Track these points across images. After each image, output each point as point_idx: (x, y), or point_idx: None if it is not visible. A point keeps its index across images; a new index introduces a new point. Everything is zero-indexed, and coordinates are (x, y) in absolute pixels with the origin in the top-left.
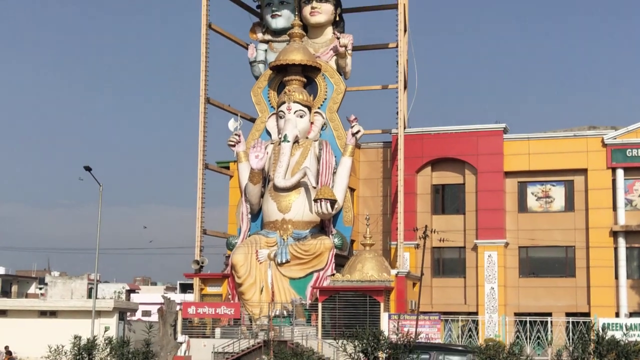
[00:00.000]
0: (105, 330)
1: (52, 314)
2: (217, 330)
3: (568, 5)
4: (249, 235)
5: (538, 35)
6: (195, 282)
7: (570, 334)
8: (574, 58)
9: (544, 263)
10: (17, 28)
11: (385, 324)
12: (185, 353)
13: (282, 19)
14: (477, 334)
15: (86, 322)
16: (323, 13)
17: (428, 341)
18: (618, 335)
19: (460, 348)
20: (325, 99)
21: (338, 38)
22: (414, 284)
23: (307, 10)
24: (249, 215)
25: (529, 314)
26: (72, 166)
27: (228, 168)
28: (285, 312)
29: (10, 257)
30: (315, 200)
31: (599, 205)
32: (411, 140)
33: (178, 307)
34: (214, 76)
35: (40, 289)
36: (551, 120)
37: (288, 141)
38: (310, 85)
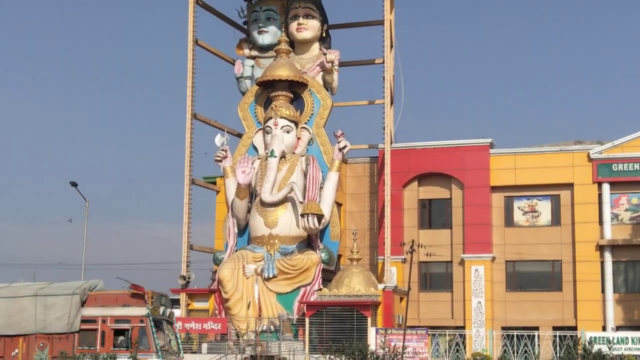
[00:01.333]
0: None
1: None
2: (204, 346)
3: (553, 21)
4: (236, 251)
5: (524, 51)
6: (182, 297)
7: (558, 348)
8: (559, 73)
9: (530, 277)
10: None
11: (373, 339)
12: None
13: (268, 35)
14: (465, 348)
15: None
16: (309, 29)
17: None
18: (605, 349)
19: None
20: (312, 114)
21: (325, 54)
22: (401, 299)
23: (293, 26)
24: (236, 231)
25: (516, 328)
26: (58, 182)
27: (215, 183)
28: (272, 327)
29: None
30: (302, 215)
31: (586, 219)
32: (398, 155)
33: None
34: (201, 92)
35: None
36: (537, 135)
37: (275, 156)
38: (297, 101)
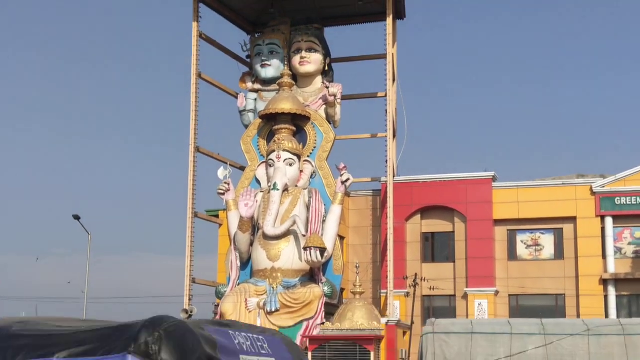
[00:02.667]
0: None
1: None
2: None
3: (557, 56)
4: (238, 284)
5: (526, 84)
6: None
7: None
8: (562, 106)
9: (534, 311)
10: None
11: None
12: None
13: (271, 68)
14: None
15: None
16: (312, 63)
17: None
18: None
19: None
20: (314, 147)
21: (327, 87)
22: (405, 333)
23: (296, 60)
24: (239, 264)
25: None
26: (61, 215)
27: (217, 216)
28: None
29: None
30: (305, 249)
31: (589, 253)
32: (400, 188)
33: None
34: (204, 125)
35: None
36: (540, 168)
37: (277, 189)
38: (299, 134)
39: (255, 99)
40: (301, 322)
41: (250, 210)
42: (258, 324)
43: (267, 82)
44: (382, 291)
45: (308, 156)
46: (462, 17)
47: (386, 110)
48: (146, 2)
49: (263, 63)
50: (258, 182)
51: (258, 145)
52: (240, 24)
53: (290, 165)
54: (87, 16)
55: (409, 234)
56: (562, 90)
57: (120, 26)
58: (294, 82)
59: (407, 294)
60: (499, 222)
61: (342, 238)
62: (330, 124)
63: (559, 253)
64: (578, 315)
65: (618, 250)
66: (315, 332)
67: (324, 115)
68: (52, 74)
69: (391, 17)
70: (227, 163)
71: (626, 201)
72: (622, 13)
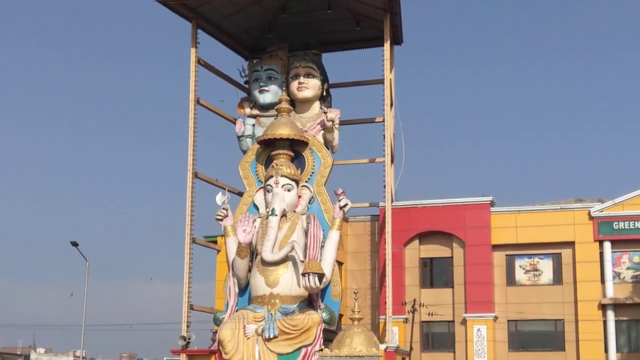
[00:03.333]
0: None
1: None
2: None
3: (555, 80)
4: (237, 310)
5: (524, 109)
6: (182, 358)
7: None
8: (560, 131)
9: (533, 337)
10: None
11: None
12: None
13: (269, 94)
14: None
15: None
16: (310, 88)
17: None
18: None
19: None
20: (312, 172)
21: (325, 112)
22: (403, 359)
23: (294, 85)
24: (237, 290)
25: None
26: (59, 241)
27: (216, 242)
28: None
29: None
30: (303, 275)
31: (587, 278)
32: (399, 213)
33: None
34: (202, 150)
35: None
36: (538, 193)
37: (276, 215)
38: (297, 159)
39: (254, 125)
40: (299, 348)
41: (248, 236)
42: (256, 351)
43: (265, 107)
44: (381, 317)
45: (306, 181)
46: (459, 43)
47: (384, 136)
48: (144, 29)
49: (261, 89)
50: (256, 207)
51: (256, 171)
52: (239, 49)
53: (289, 190)
54: (85, 45)
55: (407, 260)
56: (559, 115)
57: (119, 52)
58: (292, 108)
59: (406, 320)
60: (497, 247)
61: (340, 264)
62: (328, 149)
63: (557, 278)
64: (577, 341)
65: (617, 275)
66: (313, 359)
67: (322, 141)
68: (52, 102)
69: (388, 42)
70: (225, 189)
71: (624, 226)
72: (613, 43)
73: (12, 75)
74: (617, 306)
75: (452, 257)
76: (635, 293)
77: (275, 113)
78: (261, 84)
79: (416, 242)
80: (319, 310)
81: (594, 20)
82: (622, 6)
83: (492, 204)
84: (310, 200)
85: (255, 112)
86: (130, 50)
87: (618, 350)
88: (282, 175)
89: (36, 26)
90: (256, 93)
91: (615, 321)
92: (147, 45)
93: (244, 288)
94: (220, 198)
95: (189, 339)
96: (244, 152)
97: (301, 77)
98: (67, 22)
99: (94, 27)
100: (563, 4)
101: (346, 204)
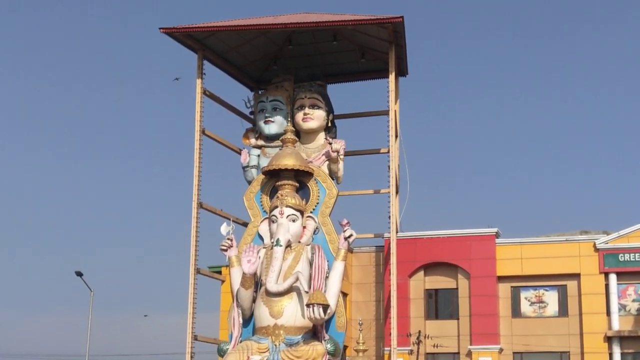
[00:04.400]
0: None
1: None
2: None
3: (558, 111)
4: (241, 341)
5: (528, 140)
6: None
7: None
8: (565, 163)
9: None
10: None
11: None
12: None
13: (274, 124)
14: None
15: None
16: (315, 119)
17: None
18: None
19: None
20: (317, 203)
21: (330, 143)
22: None
23: (299, 116)
24: (241, 321)
25: None
26: (64, 272)
27: (220, 273)
28: None
29: None
30: (308, 305)
31: (593, 310)
32: (404, 244)
33: None
34: (207, 181)
35: None
36: (543, 224)
37: (280, 245)
38: (302, 190)
39: (259, 155)
40: None
41: (253, 267)
42: None
43: (270, 138)
44: (386, 348)
45: (311, 212)
46: (463, 76)
47: (389, 166)
48: (150, 60)
49: (266, 119)
50: (261, 238)
51: (261, 201)
52: (244, 80)
53: (293, 221)
54: (88, 75)
55: (412, 291)
56: (564, 146)
57: (125, 83)
58: (297, 139)
59: (411, 352)
60: (502, 278)
61: (345, 294)
62: (333, 179)
63: (563, 310)
64: None
65: (622, 307)
66: None
67: (326, 171)
68: (55, 133)
69: (393, 74)
70: (230, 219)
71: (630, 258)
72: (622, 68)
73: (15, 112)
74: (623, 339)
75: (457, 289)
76: None
77: (280, 144)
78: (266, 114)
79: (421, 273)
80: (323, 341)
81: (597, 57)
82: (621, 48)
83: (497, 235)
84: (315, 231)
85: (261, 142)
86: (136, 80)
87: None
88: (287, 206)
89: (39, 59)
90: (261, 124)
91: (621, 354)
92: (153, 77)
93: (248, 319)
94: (225, 228)
95: None
96: (249, 182)
97: (306, 108)
98: (69, 53)
99: (98, 57)
100: (569, 41)
101: (351, 235)
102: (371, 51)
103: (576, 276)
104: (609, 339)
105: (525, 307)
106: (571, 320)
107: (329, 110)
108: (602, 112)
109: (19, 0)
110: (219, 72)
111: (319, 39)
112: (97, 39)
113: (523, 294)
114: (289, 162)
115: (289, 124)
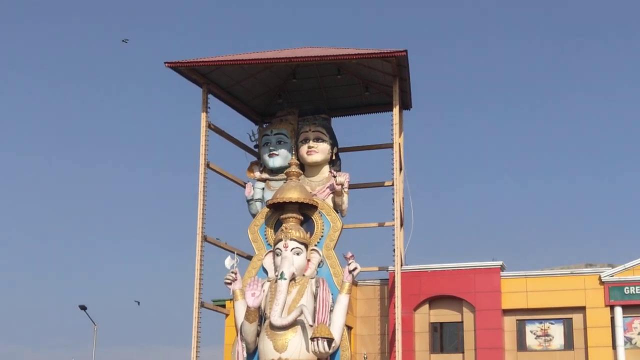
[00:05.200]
0: None
1: None
2: None
3: (562, 145)
4: None
5: (532, 173)
6: None
7: None
8: (569, 195)
9: None
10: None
11: None
12: None
13: (279, 158)
14: None
15: None
16: (320, 152)
17: None
18: None
19: None
20: (322, 236)
21: (335, 176)
22: None
23: (304, 149)
24: (245, 355)
25: None
26: (68, 305)
27: (224, 306)
28: None
29: None
30: (312, 339)
31: (599, 343)
32: (408, 277)
33: None
34: (211, 214)
35: None
36: (548, 257)
37: (285, 279)
38: (307, 223)
39: (263, 188)
40: None
41: (257, 300)
42: None
43: (274, 171)
44: None
45: (315, 245)
46: (468, 109)
47: (393, 199)
48: (155, 94)
49: (271, 153)
50: (265, 271)
51: (265, 234)
52: (249, 114)
53: (298, 254)
54: (92, 109)
55: (417, 324)
56: (569, 179)
57: (129, 115)
58: (301, 172)
59: None
60: (507, 311)
61: (349, 328)
62: (337, 212)
63: (568, 343)
64: None
65: (628, 340)
66: None
67: (331, 204)
68: (54, 161)
69: (397, 107)
70: (234, 252)
71: (635, 290)
72: (628, 97)
73: (13, 161)
74: None
75: (462, 322)
76: None
77: (285, 177)
78: (271, 148)
79: (426, 306)
80: None
81: (601, 78)
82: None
83: (502, 268)
84: (319, 264)
85: (265, 175)
86: (140, 113)
87: None
88: (291, 239)
89: (38, 97)
90: (266, 157)
91: None
92: (158, 110)
93: (252, 353)
94: (229, 262)
95: None
96: (254, 215)
97: (311, 141)
98: (70, 89)
99: (103, 90)
100: (572, 64)
101: (355, 268)
102: (375, 84)
103: (582, 309)
104: None
105: (530, 341)
106: (577, 354)
107: (334, 143)
108: (606, 144)
109: (20, 33)
110: (224, 105)
111: (323, 73)
112: (99, 72)
113: (528, 327)
114: (293, 195)
115: (293, 157)
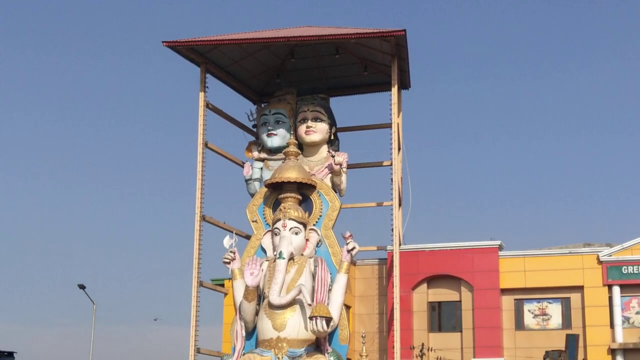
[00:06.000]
0: None
1: None
2: None
3: (561, 120)
4: (244, 354)
5: (532, 153)
6: None
7: None
8: (568, 175)
9: None
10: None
11: None
12: None
13: (277, 137)
14: None
15: None
16: (318, 132)
17: None
18: None
19: None
20: (320, 216)
21: (333, 156)
22: None
23: (302, 129)
24: (244, 334)
25: None
26: (67, 284)
27: (223, 285)
28: None
29: None
30: (311, 318)
31: (596, 322)
32: (407, 257)
33: None
34: (210, 194)
35: None
36: (546, 237)
37: (283, 258)
38: (305, 203)
39: (261, 168)
40: None
41: (255, 279)
42: None
43: (273, 151)
44: None
45: (314, 225)
46: (466, 88)
47: (392, 179)
48: (153, 73)
49: (269, 132)
50: (264, 250)
51: (264, 214)
52: (247, 93)
53: (296, 234)
54: (89, 86)
55: (415, 303)
56: (568, 159)
57: (127, 95)
58: (299, 151)
59: None
60: (505, 291)
61: (348, 307)
62: (336, 192)
63: (566, 323)
64: None
65: (626, 319)
66: None
67: (329, 184)
68: (58, 142)
69: (396, 87)
70: (232, 232)
71: (633, 270)
72: (625, 76)
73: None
74: (627, 351)
75: (460, 301)
76: None
77: (283, 156)
78: (269, 127)
79: (424, 285)
80: (326, 354)
81: (606, 76)
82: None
83: (500, 247)
84: (317, 244)
85: (263, 155)
86: (138, 93)
87: None
88: (289, 219)
89: (37, 80)
90: (264, 137)
91: None
92: (155, 89)
93: (251, 331)
94: (227, 241)
95: None
96: (252, 195)
97: (309, 121)
98: (70, 68)
99: (101, 69)
100: (574, 51)
101: (354, 248)
102: (374, 64)
103: (579, 289)
104: (612, 352)
105: (528, 320)
106: (575, 333)
107: (332, 123)
108: (607, 123)
109: (22, 13)
110: (222, 85)
111: (322, 53)
112: (98, 52)
113: (526, 307)
114: (291, 175)
115: (291, 137)
